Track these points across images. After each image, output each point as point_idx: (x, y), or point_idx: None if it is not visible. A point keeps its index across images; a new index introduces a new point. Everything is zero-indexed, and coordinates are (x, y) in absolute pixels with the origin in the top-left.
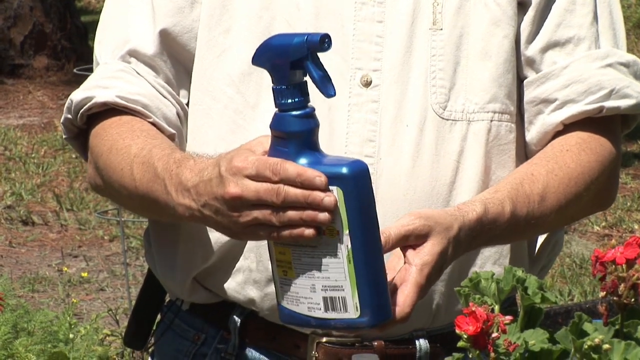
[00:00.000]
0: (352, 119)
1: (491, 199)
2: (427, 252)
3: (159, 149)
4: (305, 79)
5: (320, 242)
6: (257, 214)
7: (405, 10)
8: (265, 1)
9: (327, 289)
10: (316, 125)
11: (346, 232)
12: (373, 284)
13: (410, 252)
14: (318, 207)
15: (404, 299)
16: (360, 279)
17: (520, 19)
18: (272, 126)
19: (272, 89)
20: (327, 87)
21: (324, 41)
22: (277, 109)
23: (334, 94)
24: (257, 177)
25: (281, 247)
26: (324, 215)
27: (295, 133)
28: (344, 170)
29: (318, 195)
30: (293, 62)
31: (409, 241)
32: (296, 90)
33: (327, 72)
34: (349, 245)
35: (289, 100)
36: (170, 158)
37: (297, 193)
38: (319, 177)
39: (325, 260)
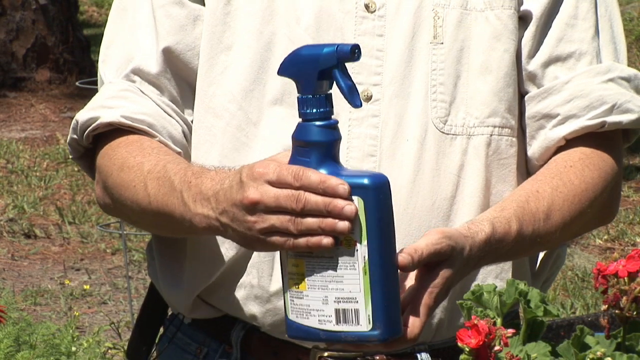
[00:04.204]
0: (353, 133)
1: (498, 218)
2: (440, 274)
3: (173, 164)
4: (330, 91)
5: (336, 252)
6: (274, 220)
7: (405, 24)
8: (265, 17)
9: (340, 301)
10: (339, 137)
11: (364, 242)
12: (387, 296)
13: (422, 273)
14: (338, 215)
15: (413, 320)
16: (375, 291)
17: (521, 33)
18: (295, 136)
19: (297, 98)
20: (354, 97)
21: (355, 52)
22: (300, 119)
23: (360, 105)
24: (277, 183)
25: (295, 259)
26: (343, 224)
27: (317, 143)
28: (366, 181)
29: (339, 203)
30: (321, 72)
31: (433, 260)
32: (321, 101)
33: (354, 82)
34: (366, 257)
35: (314, 110)
36: (187, 171)
37: (317, 200)
38: (342, 185)
39: (340, 272)
